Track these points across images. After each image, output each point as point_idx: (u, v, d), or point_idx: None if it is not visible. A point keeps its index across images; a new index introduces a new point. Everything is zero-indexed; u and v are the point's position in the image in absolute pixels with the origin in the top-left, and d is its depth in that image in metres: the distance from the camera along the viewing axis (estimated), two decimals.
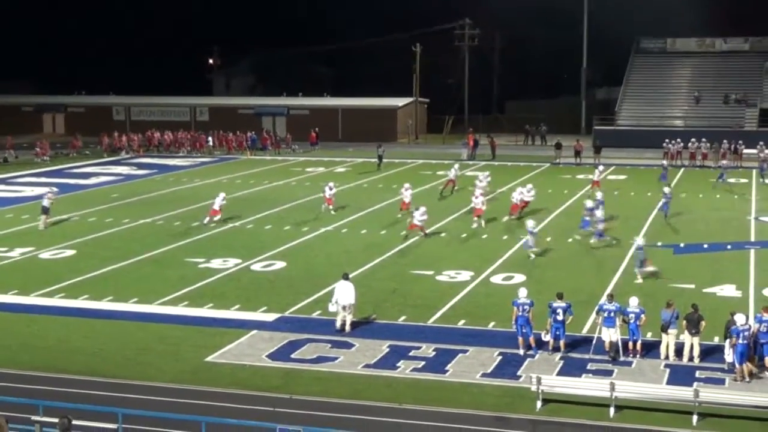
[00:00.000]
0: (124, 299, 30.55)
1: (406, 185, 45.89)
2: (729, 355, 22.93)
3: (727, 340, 22.92)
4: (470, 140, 73.64)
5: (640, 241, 34.08)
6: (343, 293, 26.86)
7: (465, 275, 33.59)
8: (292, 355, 24.87)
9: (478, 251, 37.68)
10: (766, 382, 22.55)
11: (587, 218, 41.03)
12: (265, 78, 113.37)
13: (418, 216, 39.82)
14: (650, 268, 33.25)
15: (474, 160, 70.94)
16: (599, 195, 44.25)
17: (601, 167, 55.07)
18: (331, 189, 46.83)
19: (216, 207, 43.69)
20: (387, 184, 57.09)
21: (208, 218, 43.38)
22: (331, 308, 27.04)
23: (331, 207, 46.22)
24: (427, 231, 40.32)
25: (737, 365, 22.60)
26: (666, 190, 45.59)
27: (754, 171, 62.01)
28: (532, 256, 35.95)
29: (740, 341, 22.58)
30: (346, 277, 27.34)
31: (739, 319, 22.88)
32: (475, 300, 30.47)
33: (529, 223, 37.06)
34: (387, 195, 52.36)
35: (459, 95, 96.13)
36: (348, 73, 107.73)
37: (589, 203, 42.19)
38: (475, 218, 42.49)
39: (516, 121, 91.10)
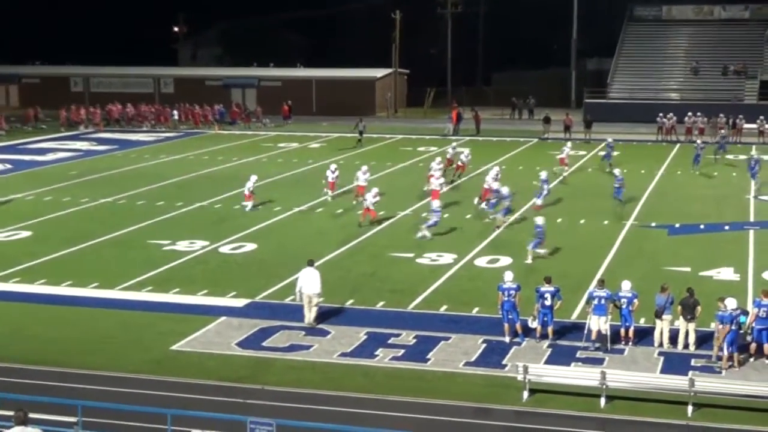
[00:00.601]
0: (83, 284, 30.45)
1: (364, 168, 44.95)
2: (718, 340, 23.05)
3: (716, 326, 22.95)
4: (454, 114, 73.71)
5: (540, 219, 34.37)
6: (307, 282, 26.08)
7: (447, 258, 33.66)
8: (264, 343, 24.88)
9: (461, 233, 37.74)
10: (762, 371, 22.73)
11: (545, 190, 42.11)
12: (234, 47, 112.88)
13: (370, 198, 38.79)
14: (543, 251, 33.58)
15: (457, 135, 71.01)
16: (617, 171, 44.01)
17: (569, 144, 54.42)
18: (333, 172, 45.10)
19: (246, 191, 42.50)
20: (365, 161, 57.00)
21: (250, 205, 42.29)
22: (298, 298, 26.32)
23: (331, 193, 44.67)
24: (379, 215, 39.53)
25: (725, 352, 22.78)
26: (616, 172, 44.24)
27: (754, 147, 62.38)
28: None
29: (732, 327, 22.75)
30: (310, 264, 26.62)
31: (729, 303, 23.04)
32: (458, 284, 30.55)
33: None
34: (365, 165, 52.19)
35: (442, 66, 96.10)
36: (323, 42, 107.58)
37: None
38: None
39: (502, 93, 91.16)
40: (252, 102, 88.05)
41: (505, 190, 39.43)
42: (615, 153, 55.39)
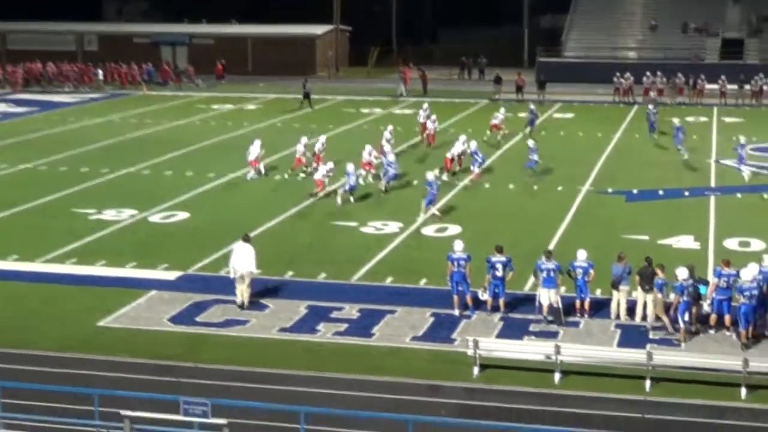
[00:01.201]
0: (2, 257, 30.15)
1: (304, 139, 44.13)
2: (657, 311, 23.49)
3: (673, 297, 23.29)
4: (406, 73, 73.46)
5: (430, 175, 35.04)
6: (240, 258, 25.60)
7: (393, 227, 33.72)
8: (197, 319, 24.82)
9: (408, 200, 37.79)
10: (723, 343, 23.09)
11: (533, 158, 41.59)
12: (164, 2, 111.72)
13: (324, 171, 38.32)
14: (435, 212, 34.24)
15: (404, 96, 70.95)
16: (531, 143, 43.34)
17: (502, 110, 54.06)
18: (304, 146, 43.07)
19: (251, 157, 41.80)
20: (305, 124, 56.86)
21: (252, 172, 41.72)
22: (231, 274, 25.82)
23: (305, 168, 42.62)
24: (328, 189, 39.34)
25: (681, 324, 23.13)
26: (530, 143, 43.36)
27: (715, 108, 63.07)
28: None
29: (684, 298, 23.11)
30: (246, 239, 26.19)
31: (681, 273, 23.33)
32: (405, 254, 30.63)
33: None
34: (305, 135, 52.05)
35: (386, 23, 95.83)
36: None
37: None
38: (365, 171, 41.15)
39: (451, 52, 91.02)
40: (183, 61, 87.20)
41: (473, 145, 41.29)
42: (569, 115, 55.72)
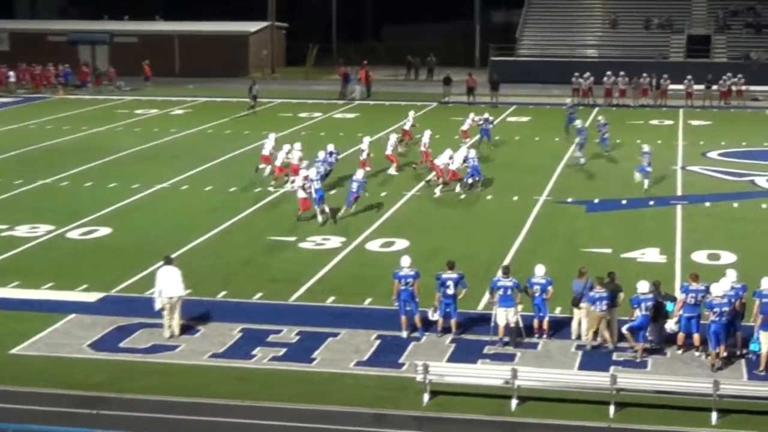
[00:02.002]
0: None
1: (297, 145, 43.62)
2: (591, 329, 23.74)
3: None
4: (362, 74, 73.23)
5: (359, 174, 36.89)
6: (166, 282, 25.24)
7: (335, 241, 33.70)
8: (121, 344, 24.64)
9: (351, 211, 37.79)
10: (692, 364, 23.31)
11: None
12: None
13: (299, 182, 37.21)
14: (325, 210, 35.45)
15: (345, 98, 71.00)
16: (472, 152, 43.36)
17: (472, 115, 54.40)
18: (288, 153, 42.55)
19: (264, 152, 43.01)
20: (237, 130, 56.73)
21: (267, 169, 42.39)
22: (157, 305, 25.41)
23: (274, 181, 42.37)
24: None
25: (639, 341, 23.52)
26: (472, 153, 42.60)
27: (681, 111, 63.71)
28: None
29: (643, 312, 23.38)
30: (168, 261, 25.79)
31: (642, 286, 23.58)
32: (348, 272, 30.61)
33: None
34: (238, 142, 52.07)
35: (325, 19, 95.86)
36: None
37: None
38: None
39: (396, 50, 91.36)
40: (104, 61, 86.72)
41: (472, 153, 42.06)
42: (525, 119, 56.01)
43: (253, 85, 65.90)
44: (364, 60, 78.36)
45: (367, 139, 44.10)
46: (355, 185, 37.00)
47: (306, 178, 36.38)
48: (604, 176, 44.16)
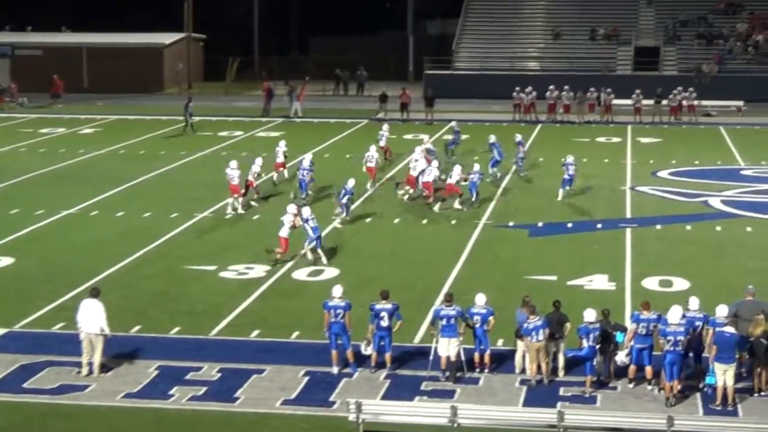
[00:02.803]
0: None
1: (233, 167, 43.37)
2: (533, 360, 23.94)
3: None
4: (301, 90, 73.06)
5: (349, 183, 38.37)
6: (87, 317, 24.99)
7: (259, 270, 33.60)
8: (25, 385, 24.34)
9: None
10: (644, 399, 23.47)
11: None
12: None
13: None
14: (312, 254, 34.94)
15: (269, 116, 70.88)
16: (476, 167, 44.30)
17: (386, 127, 54.59)
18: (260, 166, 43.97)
19: (278, 159, 46.27)
20: (152, 150, 56.45)
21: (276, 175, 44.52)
22: (82, 338, 25.16)
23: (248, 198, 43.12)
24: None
25: (588, 374, 23.72)
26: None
27: (629, 127, 64.28)
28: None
29: (590, 343, 23.56)
30: (94, 294, 25.55)
31: (588, 315, 23.74)
32: (273, 303, 30.52)
33: None
34: (152, 164, 51.81)
35: (247, 30, 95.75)
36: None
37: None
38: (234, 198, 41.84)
39: (324, 63, 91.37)
40: (4, 76, 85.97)
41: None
42: (463, 137, 56.20)
43: (189, 103, 65.27)
44: (289, 74, 78.38)
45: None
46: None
47: (297, 215, 35.13)
48: (547, 198, 44.39)
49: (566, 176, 43.92)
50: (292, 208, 35.62)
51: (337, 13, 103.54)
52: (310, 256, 34.76)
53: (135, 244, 36.81)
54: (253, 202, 42.65)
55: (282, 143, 47.78)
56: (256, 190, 42.99)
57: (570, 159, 44.27)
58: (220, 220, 40.40)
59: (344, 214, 39.94)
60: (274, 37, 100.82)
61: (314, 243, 34.62)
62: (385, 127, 53.96)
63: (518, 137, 50.60)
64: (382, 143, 52.01)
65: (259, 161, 43.89)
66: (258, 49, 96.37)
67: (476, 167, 43.48)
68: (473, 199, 42.45)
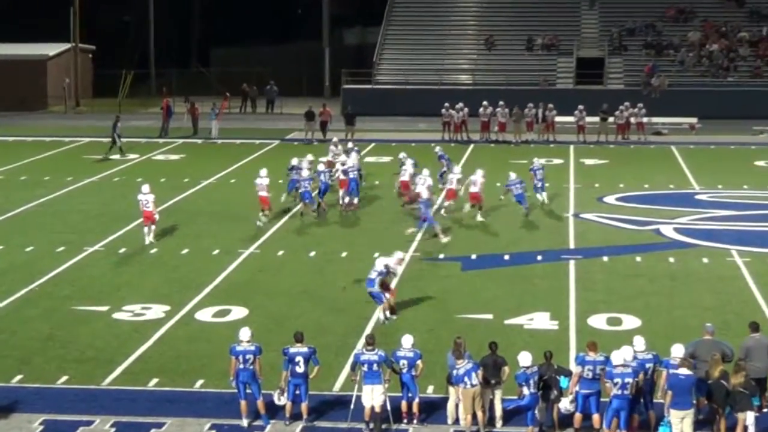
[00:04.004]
0: None
1: (146, 191, 43.62)
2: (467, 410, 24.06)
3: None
4: (223, 104, 72.59)
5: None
6: None
7: (157, 310, 33.43)
8: None
9: (175, 273, 37.60)
10: None
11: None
12: None
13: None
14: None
15: (167, 136, 70.55)
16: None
17: (337, 143, 54.93)
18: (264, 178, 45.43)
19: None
20: (33, 176, 55.99)
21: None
22: None
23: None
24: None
25: (526, 424, 23.85)
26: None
27: (572, 148, 64.76)
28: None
29: (531, 390, 23.70)
30: None
31: (523, 359, 23.84)
32: (174, 347, 30.36)
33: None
34: (35, 192, 51.39)
35: (142, 40, 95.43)
36: None
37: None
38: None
39: (228, 77, 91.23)
40: None
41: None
42: (386, 159, 56.28)
43: (117, 123, 64.69)
44: (190, 89, 78.11)
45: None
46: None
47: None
48: (482, 227, 44.58)
49: (536, 181, 46.55)
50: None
51: (244, 20, 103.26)
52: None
53: (16, 282, 36.50)
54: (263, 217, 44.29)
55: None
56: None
57: (537, 163, 46.94)
58: (112, 254, 40.17)
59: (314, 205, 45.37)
60: (173, 47, 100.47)
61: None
62: (335, 139, 54.06)
63: (438, 149, 50.74)
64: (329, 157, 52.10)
65: (263, 173, 45.51)
66: (154, 62, 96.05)
67: (512, 176, 45.72)
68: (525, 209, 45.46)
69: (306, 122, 69.93)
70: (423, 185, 43.68)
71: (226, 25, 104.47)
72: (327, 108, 70.71)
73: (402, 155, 50.36)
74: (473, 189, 45.23)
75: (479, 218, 44.99)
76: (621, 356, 23.44)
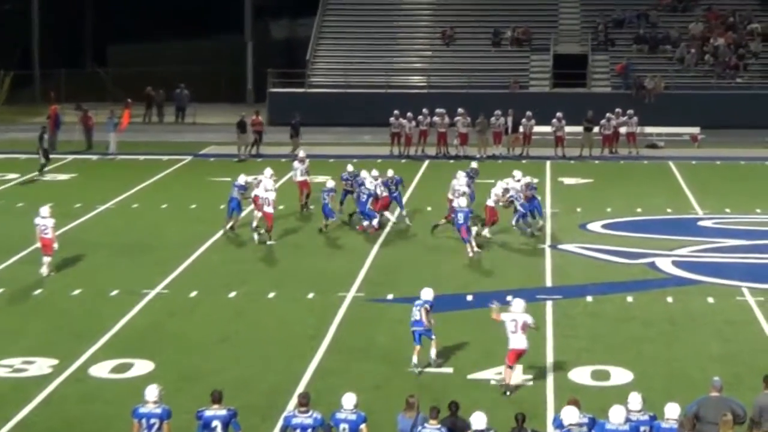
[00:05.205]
0: None
1: (45, 214, 43.24)
2: None
3: None
4: (125, 115, 72.47)
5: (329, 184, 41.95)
6: None
7: (42, 365, 33.27)
8: None
9: (65, 319, 37.43)
10: None
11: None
12: None
13: None
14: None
15: (55, 150, 70.13)
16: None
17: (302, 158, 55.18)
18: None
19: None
20: None
21: None
22: None
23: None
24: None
25: None
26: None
27: (548, 164, 64.86)
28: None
29: None
30: None
31: (477, 420, 23.76)
32: (63, 410, 30.23)
33: None
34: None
35: (24, 34, 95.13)
36: None
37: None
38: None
39: (129, 79, 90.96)
40: None
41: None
42: (322, 178, 56.26)
43: (44, 135, 64.42)
44: (83, 94, 77.83)
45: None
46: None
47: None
48: (436, 262, 44.53)
49: (534, 200, 48.18)
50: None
51: (148, 11, 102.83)
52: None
53: None
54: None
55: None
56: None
57: (527, 179, 48.64)
58: None
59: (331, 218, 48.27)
60: (62, 44, 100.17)
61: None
62: (301, 151, 54.32)
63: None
64: (297, 178, 52.43)
65: (268, 172, 48.38)
66: (39, 62, 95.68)
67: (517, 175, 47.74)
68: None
69: (238, 135, 69.48)
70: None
71: (126, 17, 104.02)
72: (259, 116, 70.53)
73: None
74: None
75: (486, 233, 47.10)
76: (616, 417, 23.41)
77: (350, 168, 52.06)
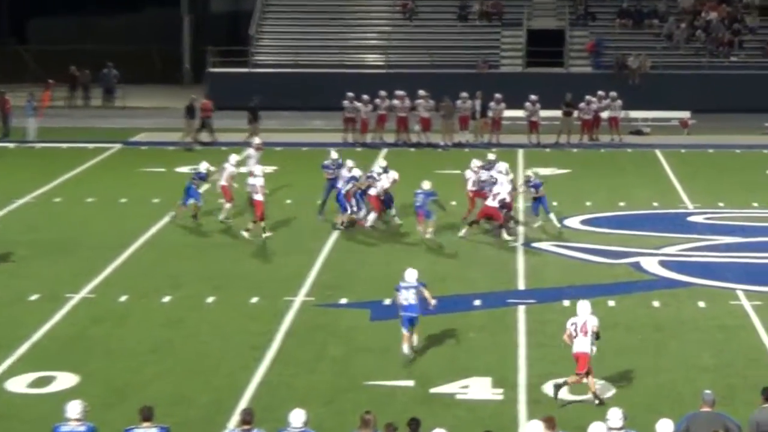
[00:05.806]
0: None
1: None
2: None
3: None
4: (43, 102, 72.28)
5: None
6: None
7: None
8: None
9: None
10: None
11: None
12: None
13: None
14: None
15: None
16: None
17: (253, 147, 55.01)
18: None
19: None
20: None
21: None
22: None
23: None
24: None
25: None
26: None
27: (521, 152, 64.92)
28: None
29: None
30: None
31: None
32: None
33: None
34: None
35: None
36: None
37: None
38: None
39: (51, 57, 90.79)
40: None
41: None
42: (271, 168, 56.21)
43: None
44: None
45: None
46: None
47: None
48: (396, 261, 44.51)
49: (536, 196, 48.23)
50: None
51: None
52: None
53: None
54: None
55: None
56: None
57: (530, 173, 49.15)
58: None
59: (360, 211, 48.54)
60: None
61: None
62: (233, 157, 54.01)
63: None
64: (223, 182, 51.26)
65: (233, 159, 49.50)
66: None
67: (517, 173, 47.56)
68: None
69: (186, 121, 69.40)
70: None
71: None
72: (207, 100, 70.44)
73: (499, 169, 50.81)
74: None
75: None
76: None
77: (334, 155, 51.64)
